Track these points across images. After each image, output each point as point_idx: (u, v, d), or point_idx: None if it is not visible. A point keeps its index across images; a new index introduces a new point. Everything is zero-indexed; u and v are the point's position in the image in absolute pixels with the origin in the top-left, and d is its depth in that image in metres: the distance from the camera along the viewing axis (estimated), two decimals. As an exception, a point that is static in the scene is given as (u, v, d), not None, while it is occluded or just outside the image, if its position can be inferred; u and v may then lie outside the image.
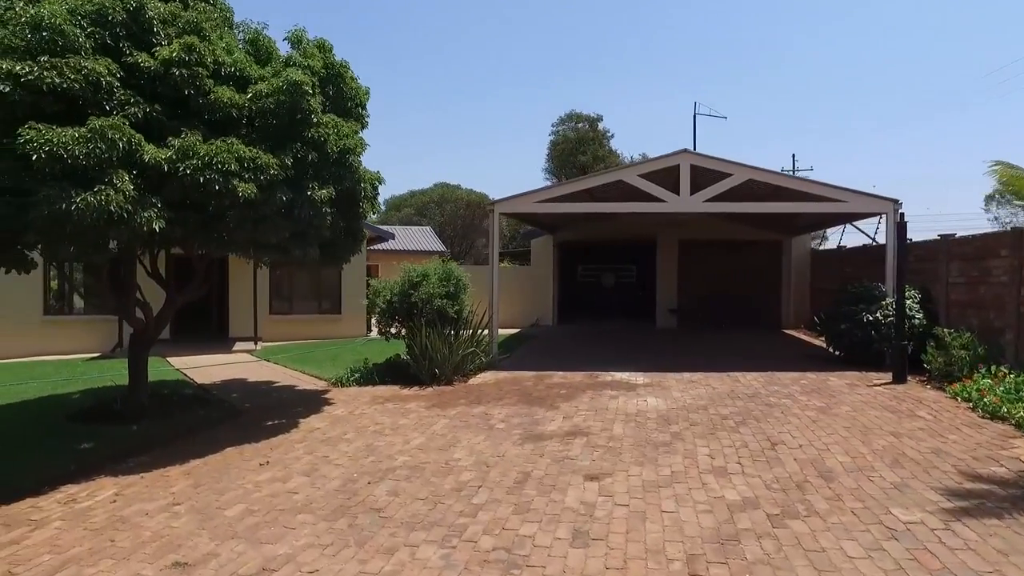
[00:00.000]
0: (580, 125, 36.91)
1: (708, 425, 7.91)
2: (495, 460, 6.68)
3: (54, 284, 17.63)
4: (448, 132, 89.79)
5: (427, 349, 10.80)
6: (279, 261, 8.69)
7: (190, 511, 5.45)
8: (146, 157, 6.52)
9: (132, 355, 9.11)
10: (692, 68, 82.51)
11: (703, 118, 33.89)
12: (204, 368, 13.77)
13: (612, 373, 11.63)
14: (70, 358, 16.13)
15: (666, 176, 12.82)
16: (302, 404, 9.73)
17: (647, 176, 12.54)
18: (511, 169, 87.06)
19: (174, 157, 6.66)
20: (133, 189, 6.34)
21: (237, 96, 7.42)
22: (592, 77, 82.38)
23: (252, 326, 18.40)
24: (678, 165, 12.32)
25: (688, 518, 5.07)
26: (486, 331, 12.26)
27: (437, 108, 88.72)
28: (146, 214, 6.43)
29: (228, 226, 7.35)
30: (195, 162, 6.64)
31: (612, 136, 43.70)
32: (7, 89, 6.20)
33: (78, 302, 17.94)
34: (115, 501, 5.75)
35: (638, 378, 11.16)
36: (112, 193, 6.13)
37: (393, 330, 11.66)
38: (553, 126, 39.11)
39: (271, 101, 7.37)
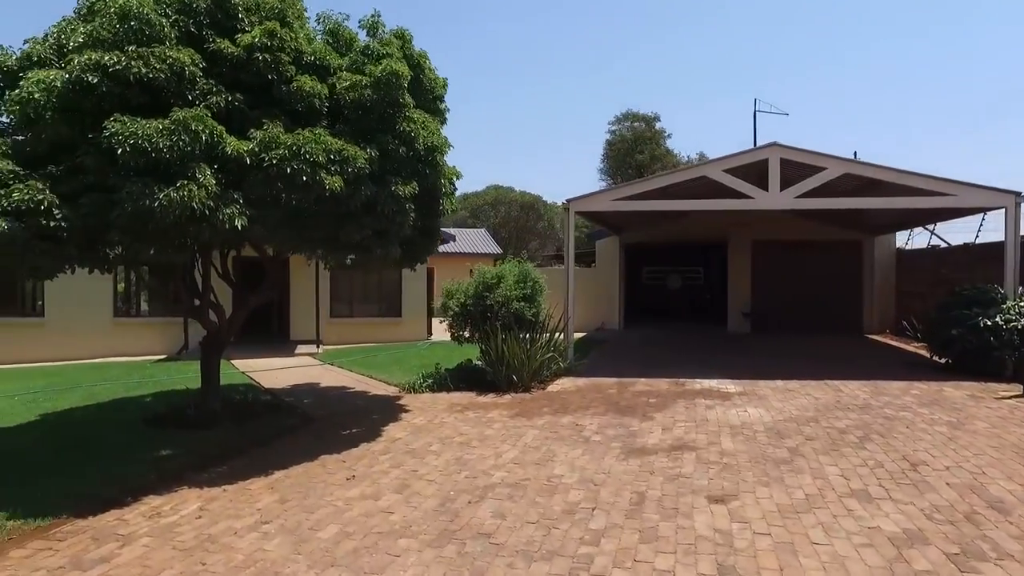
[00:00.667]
0: (637, 124, 36.06)
1: (827, 440, 7.15)
2: (601, 477, 6.08)
3: (121, 287, 17.77)
4: (500, 134, 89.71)
5: (504, 354, 10.26)
6: (356, 262, 8.24)
7: (281, 531, 5.00)
8: (228, 149, 6.15)
9: (205, 359, 8.82)
10: (750, 65, 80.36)
11: (763, 116, 32.54)
12: (269, 372, 13.54)
13: (699, 380, 10.90)
14: (138, 359, 16.19)
15: (752, 171, 12.03)
16: (378, 411, 9.31)
17: (732, 171, 11.77)
18: (564, 171, 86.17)
19: (257, 149, 6.27)
20: (215, 184, 5.96)
21: (320, 85, 7.02)
22: (647, 76, 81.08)
23: (314, 329, 18.22)
24: (766, 159, 11.52)
25: (846, 552, 4.38)
26: (561, 335, 11.67)
27: (489, 109, 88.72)
28: (228, 210, 6.04)
29: (309, 223, 6.95)
30: (281, 152, 6.23)
31: (669, 136, 42.70)
32: (95, 80, 5.91)
33: (145, 304, 18.05)
34: (200, 517, 5.35)
35: (728, 386, 10.41)
36: (195, 188, 5.76)
37: (466, 334, 11.16)
38: (609, 125, 38.44)
39: (368, 92, 6.95)
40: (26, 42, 6.83)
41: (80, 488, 6.05)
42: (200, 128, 5.88)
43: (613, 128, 37.44)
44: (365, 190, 6.88)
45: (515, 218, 39.10)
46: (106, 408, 9.91)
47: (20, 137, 6.39)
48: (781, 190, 11.45)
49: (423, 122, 7.64)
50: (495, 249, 31.27)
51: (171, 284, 15.66)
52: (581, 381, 11.08)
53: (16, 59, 6.71)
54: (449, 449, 7.17)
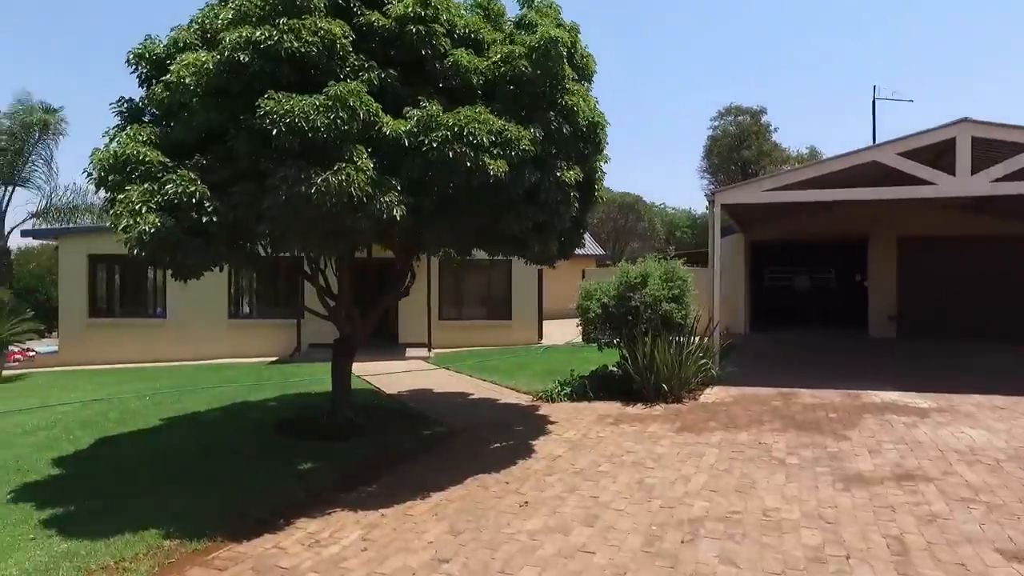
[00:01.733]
0: (741, 118, 34.13)
1: (1098, 473, 5.77)
2: (830, 512, 4.99)
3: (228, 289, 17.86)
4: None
5: (654, 361, 9.25)
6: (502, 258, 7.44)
7: (467, 573, 4.20)
8: (385, 129, 5.46)
9: (336, 364, 8.25)
10: (863, 52, 75.35)
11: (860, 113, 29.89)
12: (384, 376, 13.03)
13: (875, 393, 9.52)
14: (251, 361, 16.13)
15: (929, 154, 10.53)
16: (519, 422, 8.49)
17: (908, 155, 10.30)
18: (664, 170, 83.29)
19: (415, 129, 5.55)
20: (372, 168, 5.27)
21: (478, 59, 6.26)
22: (749, 70, 77.22)
23: (422, 332, 17.73)
24: (953, 138, 9.99)
25: None
26: (706, 339, 10.53)
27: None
28: (386, 198, 5.33)
29: (464, 214, 6.19)
30: (442, 134, 5.49)
31: (776, 130, 40.38)
32: (246, 59, 5.36)
33: (258, 306, 18.08)
34: (366, 549, 4.63)
35: (917, 400, 9.00)
36: (353, 172, 5.08)
37: (603, 338, 10.20)
38: (711, 120, 36.56)
39: (525, 64, 6.14)
40: (172, 30, 6.45)
41: (228, 503, 5.53)
42: (358, 105, 5.20)
43: (715, 124, 35.75)
44: (529, 175, 6.05)
45: (614, 218, 37.87)
46: (233, 412, 9.56)
47: (167, 127, 5.93)
48: (972, 174, 9.89)
49: (582, 94, 6.76)
50: (597, 250, 30.20)
51: (298, 283, 15.70)
52: (734, 391, 9.91)
53: (163, 47, 6.31)
54: (623, 470, 6.22)
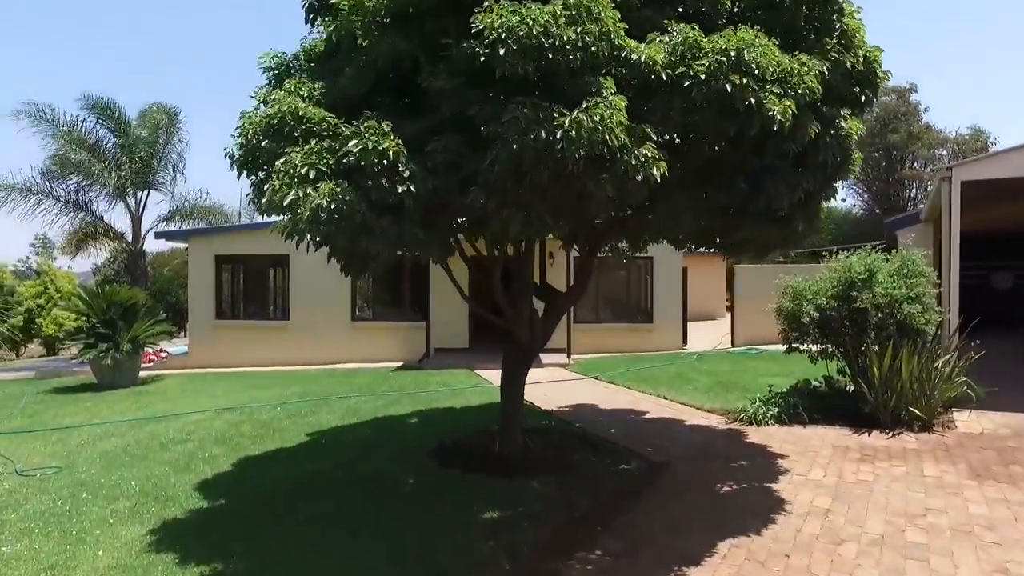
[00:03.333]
0: (887, 98, 30.61)
1: None
2: None
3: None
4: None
5: (893, 376, 7.27)
6: (744, 245, 5.75)
7: None
8: (633, 56, 3.89)
9: (512, 377, 6.82)
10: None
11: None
12: (529, 386, 11.58)
13: None
14: (376, 366, 15.15)
15: None
16: (735, 454, 6.74)
17: None
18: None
19: (672, 58, 3.96)
20: (626, 107, 3.71)
21: (732, -32, 4.61)
22: (896, 41, 70.52)
23: (561, 336, 16.23)
24: None
25: None
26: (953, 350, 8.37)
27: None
28: (641, 151, 3.76)
29: (714, 184, 4.56)
30: (709, 62, 3.88)
31: (927, 109, 36.33)
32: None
33: (380, 307, 17.15)
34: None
35: None
36: (606, 112, 3.54)
37: (814, 347, 8.28)
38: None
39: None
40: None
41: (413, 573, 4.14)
42: (606, 15, 3.66)
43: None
44: (812, 126, 4.33)
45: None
46: (377, 430, 8.35)
47: (333, 78, 4.63)
48: None
49: (853, 13, 4.98)
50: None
51: (425, 281, 14.56)
52: (997, 416, 7.73)
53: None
54: (952, 543, 4.36)
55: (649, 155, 3.74)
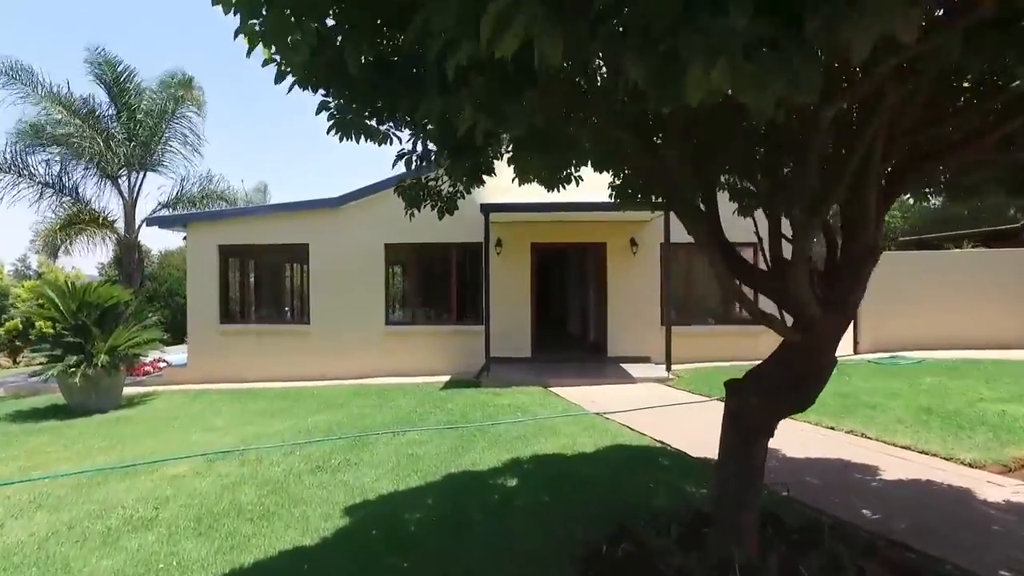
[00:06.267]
0: None
1: None
2: None
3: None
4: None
5: None
6: None
7: None
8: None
9: (742, 432, 3.64)
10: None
11: None
12: (635, 414, 8.41)
13: None
14: (418, 382, 12.04)
15: None
16: None
17: None
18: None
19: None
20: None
21: None
22: None
23: (644, 341, 13.01)
24: None
25: None
26: None
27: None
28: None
29: None
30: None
31: None
32: None
33: (421, 307, 14.01)
34: None
35: None
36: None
37: None
38: None
39: None
40: None
41: None
42: None
43: None
44: None
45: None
46: (454, 503, 5.18)
47: None
48: None
49: None
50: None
51: (481, 274, 11.34)
52: None
53: None
54: None
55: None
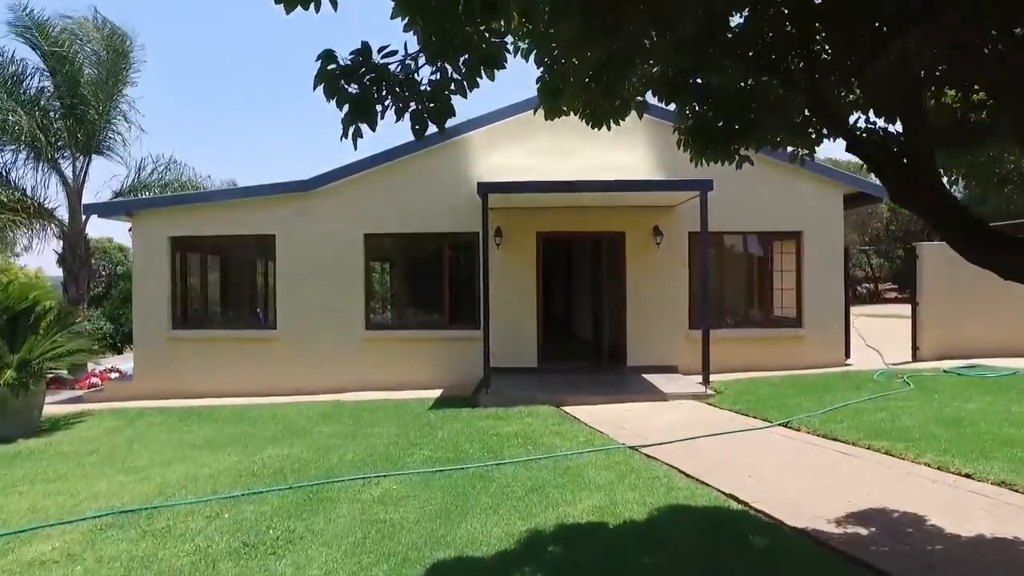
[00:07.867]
0: None
1: None
2: None
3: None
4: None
5: None
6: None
7: None
8: None
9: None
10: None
11: None
12: (686, 450, 6.47)
13: None
14: (402, 397, 10.06)
15: None
16: None
17: None
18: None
19: None
20: None
21: None
22: None
23: (669, 349, 11.07)
24: None
25: None
26: None
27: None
28: None
29: None
30: None
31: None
32: None
33: (407, 309, 11.98)
34: None
35: None
36: None
37: None
38: None
39: None
40: None
41: None
42: None
43: None
44: None
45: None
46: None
47: None
48: None
49: None
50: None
51: (475, 275, 9.29)
52: None
53: None
54: None
55: None
